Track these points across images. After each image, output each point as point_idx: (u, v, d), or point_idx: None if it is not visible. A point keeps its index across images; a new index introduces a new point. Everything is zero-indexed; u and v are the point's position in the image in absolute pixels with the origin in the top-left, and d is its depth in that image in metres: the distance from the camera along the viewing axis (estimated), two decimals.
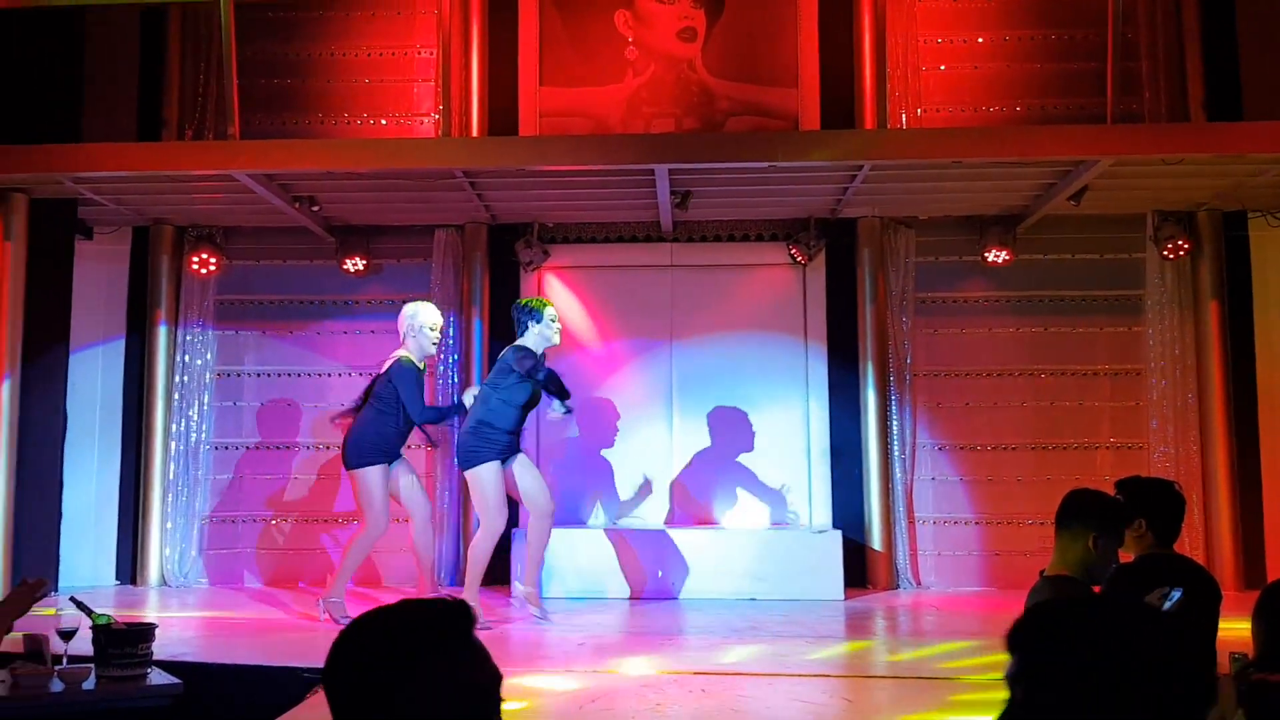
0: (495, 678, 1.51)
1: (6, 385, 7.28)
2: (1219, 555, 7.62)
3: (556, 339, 6.57)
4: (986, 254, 8.01)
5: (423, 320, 6.55)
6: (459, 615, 1.51)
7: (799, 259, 8.14)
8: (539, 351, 6.46)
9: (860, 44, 8.10)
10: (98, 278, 8.21)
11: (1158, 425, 7.92)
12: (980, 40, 8.24)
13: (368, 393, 6.60)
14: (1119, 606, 1.47)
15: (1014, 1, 8.23)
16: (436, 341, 6.66)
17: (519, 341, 6.49)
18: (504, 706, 1.51)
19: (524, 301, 6.72)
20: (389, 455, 6.45)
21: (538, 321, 6.47)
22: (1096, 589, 3.22)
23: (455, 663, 1.47)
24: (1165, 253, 7.80)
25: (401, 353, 6.52)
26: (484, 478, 6.31)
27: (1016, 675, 1.40)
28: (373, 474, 6.36)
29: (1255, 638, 2.74)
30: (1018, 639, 1.42)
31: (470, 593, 6.20)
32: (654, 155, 7.00)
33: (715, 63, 8.23)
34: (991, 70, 8.22)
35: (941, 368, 8.17)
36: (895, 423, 8.00)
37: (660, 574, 7.46)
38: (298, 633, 6.28)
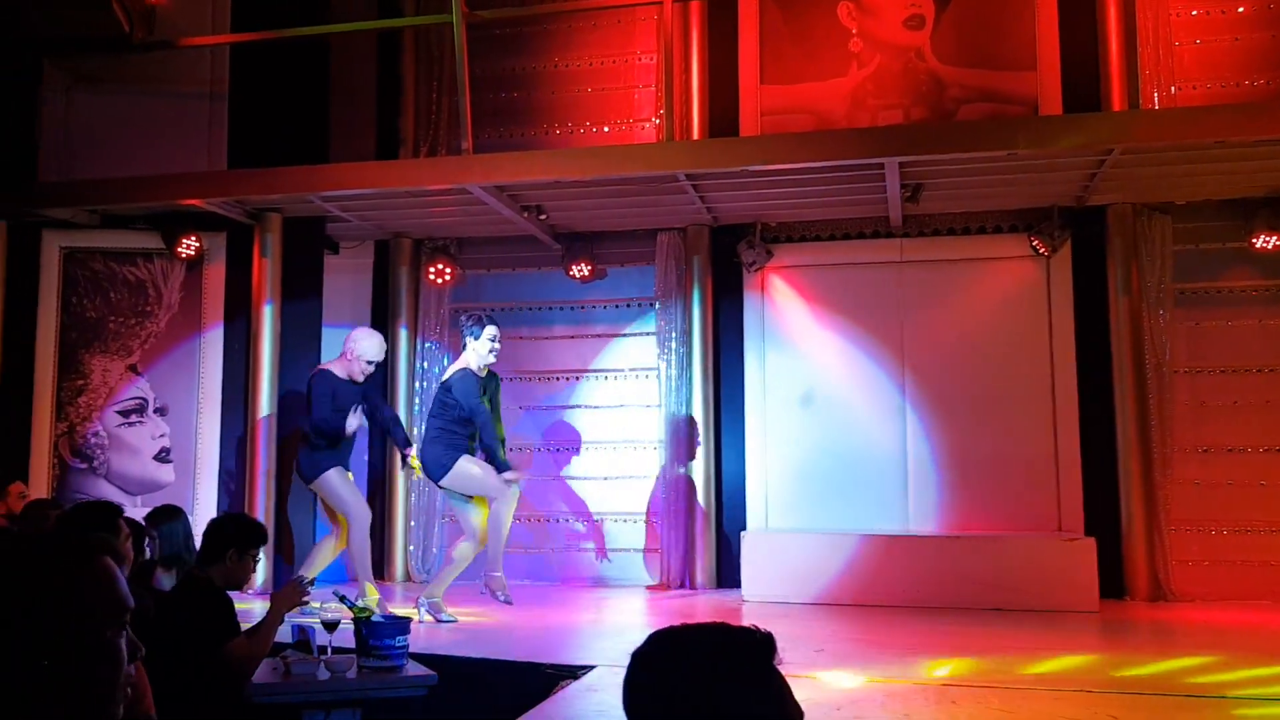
0: (799, 716, 1.44)
1: (265, 393, 7.79)
2: None
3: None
4: (1254, 239, 7.37)
5: (360, 352, 6.86)
6: (766, 645, 1.45)
7: (1042, 250, 7.71)
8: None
9: (1105, 21, 7.62)
10: (343, 290, 8.68)
11: None
12: (1240, 10, 7.59)
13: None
14: None
15: None
16: (367, 373, 6.93)
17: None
18: None
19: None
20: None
21: (474, 338, 6.71)
22: None
23: (758, 696, 1.41)
24: None
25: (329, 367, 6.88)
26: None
27: None
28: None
29: None
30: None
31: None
32: (884, 148, 6.81)
33: (945, 49, 7.92)
34: (1254, 41, 7.57)
35: (1204, 364, 7.56)
36: (1155, 423, 7.44)
37: (898, 581, 7.20)
38: (538, 630, 6.40)
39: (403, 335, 8.65)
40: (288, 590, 4.29)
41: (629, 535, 8.34)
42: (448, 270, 8.56)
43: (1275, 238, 7.30)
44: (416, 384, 8.61)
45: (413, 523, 8.49)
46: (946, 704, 4.61)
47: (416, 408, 8.55)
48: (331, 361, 7.02)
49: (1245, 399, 7.51)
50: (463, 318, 6.97)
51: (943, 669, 5.29)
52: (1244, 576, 7.38)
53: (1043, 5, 7.75)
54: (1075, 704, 4.58)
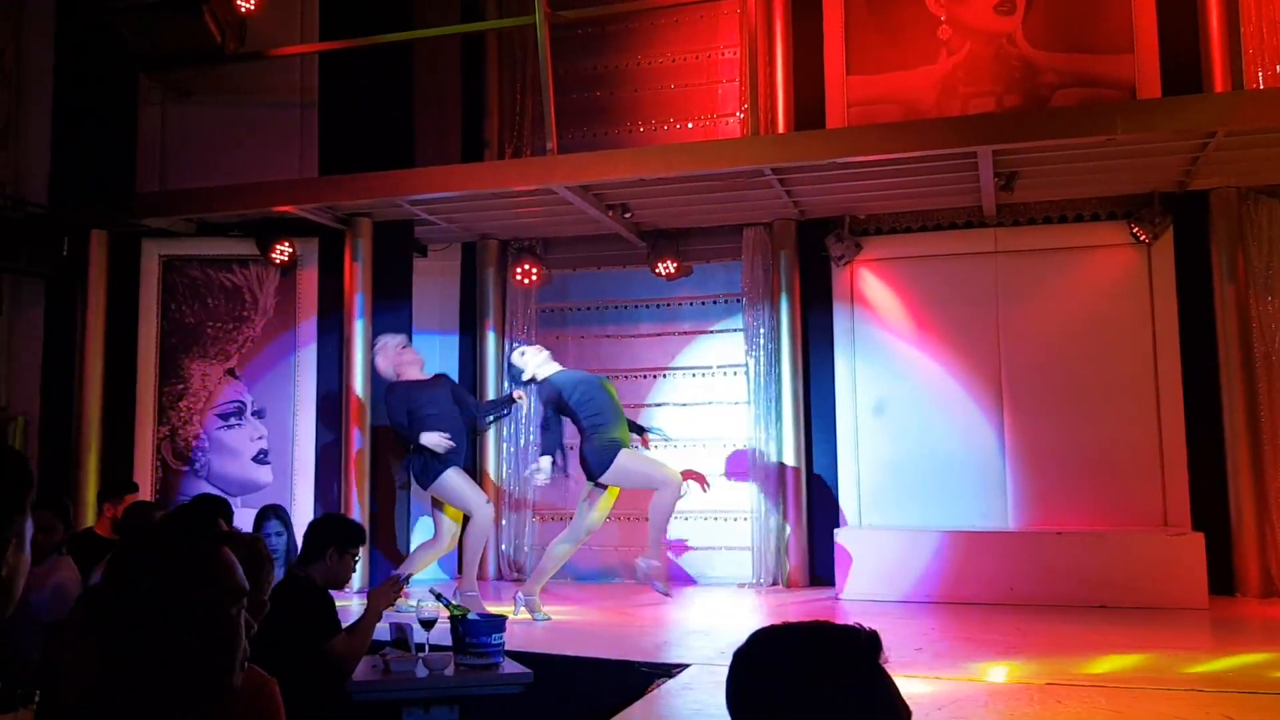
0: (908, 717, 1.41)
1: (358, 394, 7.92)
2: None
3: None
4: None
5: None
6: (871, 644, 1.42)
7: (1142, 238, 7.47)
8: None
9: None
10: (432, 293, 8.79)
11: None
12: None
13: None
14: None
15: None
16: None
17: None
18: None
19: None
20: None
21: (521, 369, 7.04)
22: None
23: (865, 696, 1.38)
24: None
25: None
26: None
27: None
28: None
29: None
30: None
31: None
32: (976, 137, 6.66)
33: (1038, 34, 7.72)
34: None
35: None
36: (1265, 413, 7.16)
37: (997, 578, 7.04)
38: (632, 629, 6.40)
39: (490, 336, 8.72)
40: (384, 588, 4.36)
41: (718, 533, 8.29)
42: (534, 270, 8.61)
43: None
44: (505, 383, 8.67)
45: (504, 521, 8.55)
46: (1051, 703, 4.50)
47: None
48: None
49: None
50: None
51: (1047, 668, 5.15)
52: None
53: None
54: (1186, 704, 4.42)
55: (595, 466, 6.70)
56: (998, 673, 5.10)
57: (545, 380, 6.90)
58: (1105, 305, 7.63)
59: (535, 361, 7.02)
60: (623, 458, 6.65)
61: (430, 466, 6.82)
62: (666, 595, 6.89)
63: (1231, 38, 7.23)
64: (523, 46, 8.69)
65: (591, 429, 6.71)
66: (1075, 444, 7.54)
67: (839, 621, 1.45)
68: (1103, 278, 7.70)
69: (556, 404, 6.79)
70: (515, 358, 7.16)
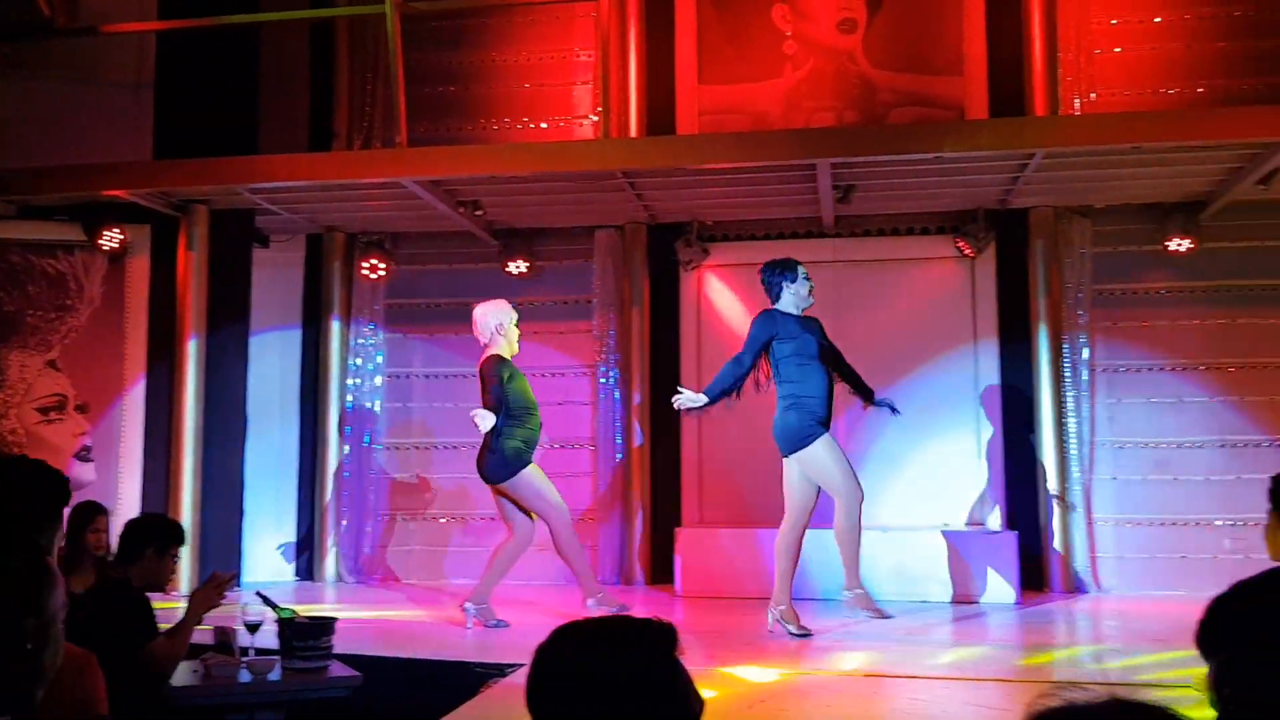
0: (699, 707, 1.46)
1: (190, 390, 7.67)
2: None
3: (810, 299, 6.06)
4: (1168, 243, 7.59)
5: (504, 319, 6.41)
6: (666, 638, 1.46)
7: (967, 252, 7.87)
8: (797, 313, 6.01)
9: (1029, 28, 7.77)
10: (273, 285, 8.56)
11: None
12: (1157, 20, 7.81)
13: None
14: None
15: None
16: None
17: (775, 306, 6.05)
18: None
19: (771, 262, 6.18)
20: None
21: (792, 281, 6.03)
22: None
23: (661, 690, 1.42)
24: None
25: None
26: (821, 454, 5.89)
27: (1219, 679, 1.29)
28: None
29: None
30: (1210, 638, 1.32)
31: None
32: (816, 150, 6.89)
33: (877, 53, 8.04)
34: (1170, 51, 7.79)
35: (1121, 362, 7.76)
36: (1073, 420, 7.64)
37: (835, 574, 7.28)
38: (470, 630, 6.39)
39: (335, 331, 8.56)
40: (205, 589, 4.24)
41: None
42: (382, 265, 8.49)
43: (1188, 241, 7.53)
44: (349, 380, 8.53)
45: (344, 521, 8.40)
46: (870, 694, 4.70)
47: (349, 403, 8.46)
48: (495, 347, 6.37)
49: (1159, 396, 7.73)
50: (763, 273, 6.15)
51: (868, 659, 5.38)
52: (1158, 569, 7.60)
53: (970, 12, 7.90)
54: (989, 692, 4.69)
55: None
56: (822, 666, 5.31)
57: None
58: (932, 315, 8.00)
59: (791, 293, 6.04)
60: (822, 444, 5.90)
61: (507, 460, 6.17)
62: (887, 616, 6.16)
63: (1051, 66, 7.68)
64: (374, 36, 8.53)
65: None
66: (901, 446, 7.87)
67: (639, 616, 1.50)
68: (931, 289, 8.07)
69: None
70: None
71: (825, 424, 5.93)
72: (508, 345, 6.41)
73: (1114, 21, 7.84)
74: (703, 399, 6.08)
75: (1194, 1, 7.78)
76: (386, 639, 6.11)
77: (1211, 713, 1.32)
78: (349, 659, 4.68)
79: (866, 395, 6.29)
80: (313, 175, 7.46)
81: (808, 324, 6.07)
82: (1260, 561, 3.20)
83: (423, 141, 8.12)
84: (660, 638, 1.46)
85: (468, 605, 6.29)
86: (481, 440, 6.27)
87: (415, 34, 8.30)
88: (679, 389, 6.25)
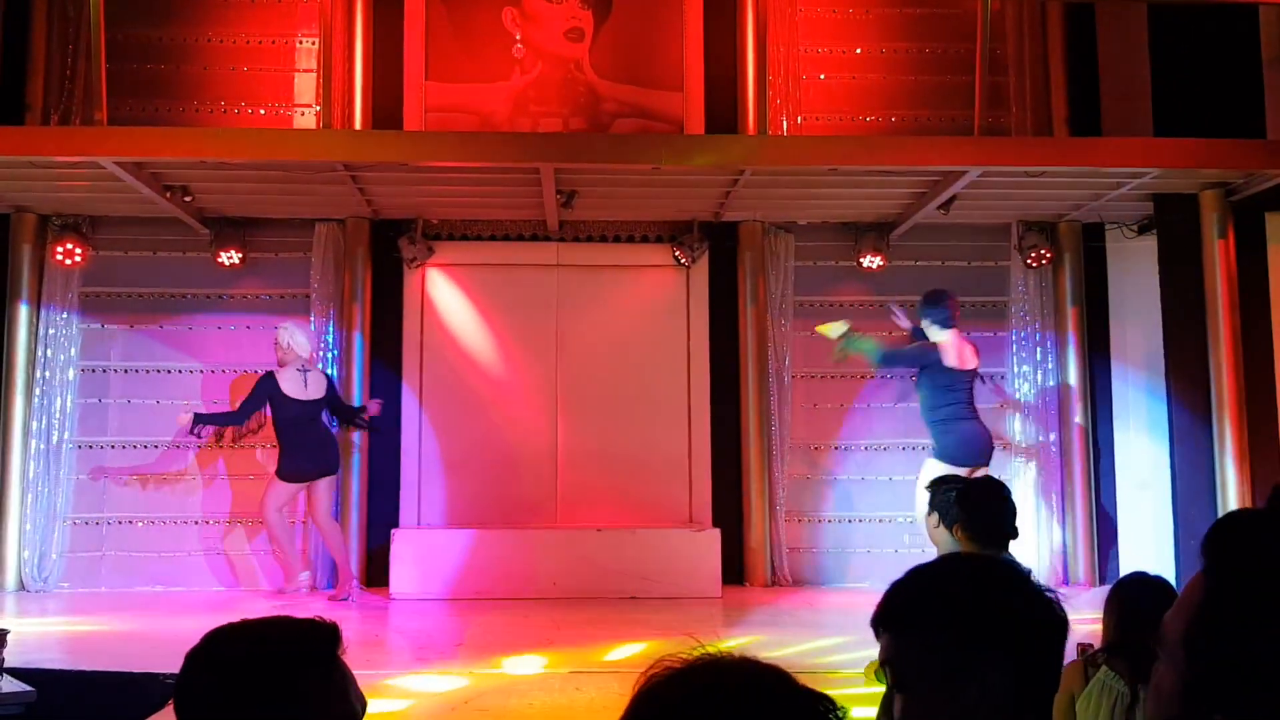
0: (361, 707, 1.47)
1: None
2: (1076, 551, 8.01)
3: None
4: (861, 259, 8.23)
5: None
6: (326, 638, 1.45)
7: (683, 261, 8.24)
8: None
9: (743, 51, 8.23)
10: None
11: (1019, 425, 8.26)
12: (858, 51, 8.45)
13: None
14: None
15: (890, 15, 8.46)
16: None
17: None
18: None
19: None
20: None
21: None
22: None
23: (315, 692, 1.42)
24: (1029, 261, 8.14)
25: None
26: None
27: (883, 659, 1.41)
28: None
29: (1105, 629, 3.06)
30: (877, 620, 1.44)
31: None
32: (539, 154, 7.00)
33: (602, 64, 8.26)
34: (868, 81, 8.44)
35: (817, 369, 8.31)
36: (774, 423, 8.15)
37: (546, 574, 7.45)
38: (161, 638, 6.09)
39: (22, 318, 7.90)
40: None
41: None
42: (78, 250, 7.90)
43: (879, 258, 8.20)
44: (38, 372, 7.89)
45: (27, 526, 7.77)
46: (570, 691, 4.87)
47: (37, 398, 7.85)
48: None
49: (850, 402, 8.38)
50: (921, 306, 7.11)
51: (573, 657, 5.56)
52: (846, 562, 8.24)
53: (690, 31, 8.27)
54: None
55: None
56: (528, 664, 5.43)
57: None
58: (650, 321, 8.33)
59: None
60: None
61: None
62: None
63: (762, 88, 8.16)
64: (76, 4, 7.95)
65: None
66: (618, 447, 8.16)
67: (300, 617, 1.48)
68: (649, 295, 8.40)
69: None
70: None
71: None
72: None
73: (820, 50, 8.41)
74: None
75: (891, 37, 8.47)
76: (70, 650, 5.77)
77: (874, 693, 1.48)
78: (24, 673, 4.41)
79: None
80: (0, 150, 6.87)
81: None
82: (932, 554, 3.57)
83: (129, 121, 7.66)
84: (321, 638, 1.45)
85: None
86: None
87: (122, 7, 7.77)
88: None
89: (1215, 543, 1.32)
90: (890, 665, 1.40)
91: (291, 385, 7.40)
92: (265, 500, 7.46)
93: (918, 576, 1.47)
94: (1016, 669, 1.36)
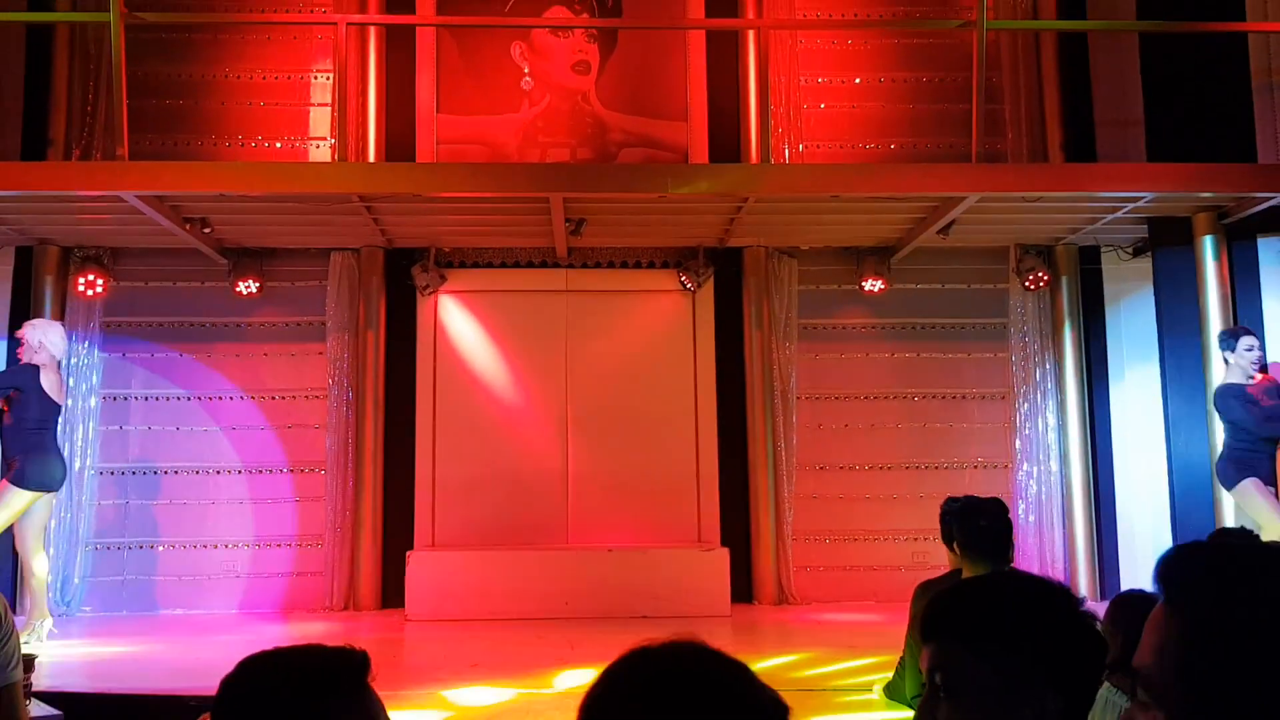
0: None
1: None
2: (1078, 567, 8.13)
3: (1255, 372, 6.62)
4: (863, 283, 8.40)
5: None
6: (357, 666, 1.50)
7: (689, 286, 8.42)
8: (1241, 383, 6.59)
9: (745, 81, 8.45)
10: None
11: (1020, 445, 8.40)
12: (858, 81, 8.66)
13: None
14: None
15: (889, 45, 8.67)
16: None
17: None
18: None
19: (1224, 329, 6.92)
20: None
21: (1231, 350, 6.69)
22: None
23: (351, 716, 1.46)
24: (1027, 284, 8.30)
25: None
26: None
27: (933, 666, 1.44)
28: None
29: (1109, 643, 3.13)
30: (934, 629, 1.46)
31: None
32: (549, 184, 7.19)
33: (608, 96, 8.48)
34: (868, 110, 8.64)
35: (822, 391, 8.50)
36: (780, 444, 8.31)
37: (559, 594, 7.59)
38: (184, 661, 6.24)
39: None
40: None
41: (287, 560, 8.23)
42: (100, 281, 8.11)
43: (880, 282, 8.38)
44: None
45: (50, 550, 7.92)
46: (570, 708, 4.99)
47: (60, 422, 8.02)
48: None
49: (854, 422, 8.54)
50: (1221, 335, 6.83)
51: (582, 677, 5.68)
52: (852, 580, 8.37)
53: (694, 63, 8.49)
54: None
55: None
56: (539, 685, 5.55)
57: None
58: (657, 344, 8.52)
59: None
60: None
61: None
62: None
63: (764, 117, 8.32)
64: (97, 42, 8.18)
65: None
66: (628, 469, 8.33)
67: (330, 645, 1.53)
68: (656, 319, 8.59)
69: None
70: None
71: None
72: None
73: (820, 80, 8.62)
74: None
75: (889, 66, 8.67)
76: (95, 673, 5.90)
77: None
78: (51, 696, 4.54)
79: None
80: (24, 184, 7.06)
81: None
82: (936, 570, 3.72)
83: (149, 155, 7.88)
84: (353, 666, 1.50)
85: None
86: None
87: (144, 44, 8.04)
88: None
89: (1180, 580, 1.24)
90: (943, 672, 1.42)
91: (53, 386, 6.88)
92: (22, 524, 6.70)
93: (983, 589, 1.49)
94: (1068, 697, 1.39)
